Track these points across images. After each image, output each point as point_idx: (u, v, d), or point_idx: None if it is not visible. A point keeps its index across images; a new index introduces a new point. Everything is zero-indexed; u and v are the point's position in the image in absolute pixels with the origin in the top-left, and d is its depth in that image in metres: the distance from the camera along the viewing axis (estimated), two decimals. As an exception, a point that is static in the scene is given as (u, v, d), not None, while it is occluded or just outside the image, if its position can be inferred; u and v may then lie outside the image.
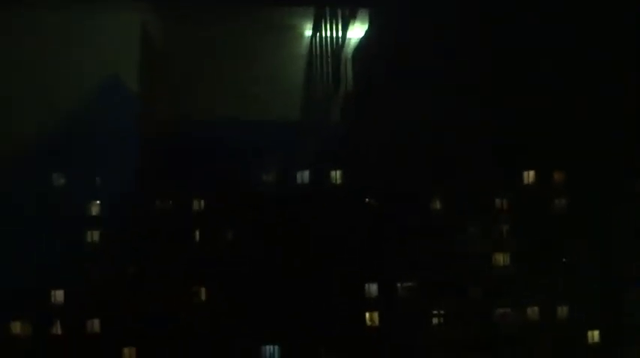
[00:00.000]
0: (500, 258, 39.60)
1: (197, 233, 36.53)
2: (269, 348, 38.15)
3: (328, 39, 49.75)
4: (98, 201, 33.17)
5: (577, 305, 39.22)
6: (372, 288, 38.59)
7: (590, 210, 40.40)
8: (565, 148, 42.52)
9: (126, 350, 33.33)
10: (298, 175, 43.12)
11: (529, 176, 41.29)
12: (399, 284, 40.63)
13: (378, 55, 44.67)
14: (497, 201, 41.49)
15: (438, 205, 41.92)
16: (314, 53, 52.95)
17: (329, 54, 48.72)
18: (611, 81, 44.92)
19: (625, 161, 41.01)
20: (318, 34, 53.42)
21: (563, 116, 43.44)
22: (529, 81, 46.16)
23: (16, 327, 31.54)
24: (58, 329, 31.51)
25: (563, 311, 38.01)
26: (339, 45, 46.31)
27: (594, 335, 38.02)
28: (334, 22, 47.88)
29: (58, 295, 30.94)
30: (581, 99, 44.42)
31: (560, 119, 43.12)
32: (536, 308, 38.15)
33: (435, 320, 39.71)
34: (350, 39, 46.58)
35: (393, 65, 44.71)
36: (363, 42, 45.57)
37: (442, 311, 39.68)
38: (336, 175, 42.97)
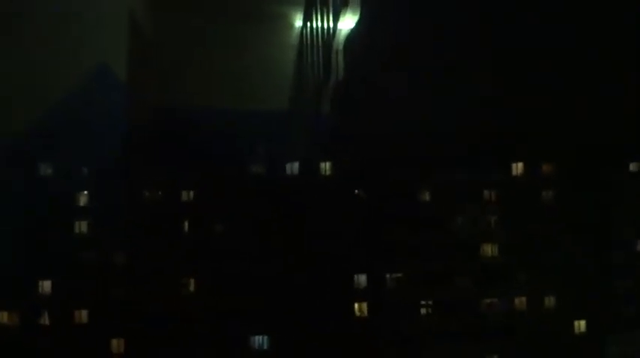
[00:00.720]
0: (489, 249, 39.12)
1: (186, 224, 35.53)
2: (258, 338, 37.54)
3: (319, 29, 48.27)
4: (86, 192, 32.35)
5: (564, 295, 38.95)
6: (361, 279, 37.95)
7: (577, 201, 40.04)
8: (554, 142, 41.79)
9: (114, 341, 32.56)
10: (288, 166, 42.00)
11: (517, 168, 40.75)
12: (387, 275, 39.91)
13: (369, 46, 43.28)
14: (486, 192, 40.87)
15: (427, 197, 41.10)
16: (304, 43, 51.31)
17: (319, 44, 47.29)
18: (603, 80, 43.32)
19: (612, 154, 40.59)
20: (308, 23, 51.77)
21: (553, 111, 42.49)
22: (521, 78, 44.74)
23: (3, 317, 30.77)
24: (45, 320, 30.73)
25: (550, 301, 37.65)
26: (329, 35, 44.93)
27: (581, 325, 37.83)
28: (325, 11, 46.39)
29: (46, 285, 30.24)
30: (571, 96, 43.22)
31: (550, 114, 42.25)
32: (523, 299, 37.70)
33: (423, 311, 39.04)
34: (341, 29, 45.15)
35: (385, 56, 43.35)
36: (354, 32, 44.25)
37: (430, 302, 39.01)
38: (326, 166, 42.04)
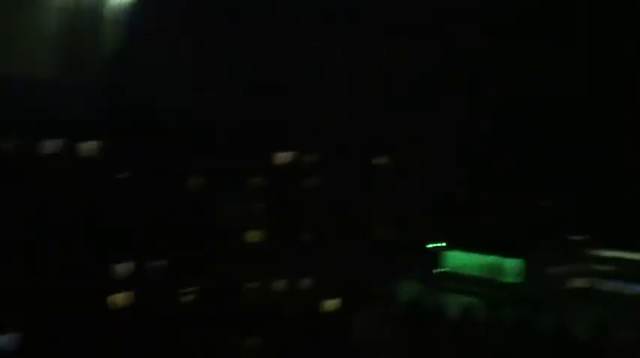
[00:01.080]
0: (254, 235, 39.47)
1: None
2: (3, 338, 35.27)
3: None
4: None
5: (320, 277, 40.38)
6: (123, 268, 36.88)
7: (337, 188, 41.48)
8: (318, 130, 42.81)
9: None
10: (48, 144, 39.40)
11: (282, 156, 41.27)
12: (151, 263, 39.25)
13: (138, 19, 41.46)
14: (252, 180, 41.13)
15: (194, 183, 40.69)
16: (71, 8, 48.10)
17: (87, 11, 44.61)
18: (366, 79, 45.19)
19: (372, 140, 42.34)
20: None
21: (316, 98, 43.53)
22: (287, 69, 45.07)
23: None
24: None
25: (307, 283, 38.83)
26: (99, 6, 42.46)
27: (332, 303, 39.40)
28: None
29: None
30: (335, 82, 44.52)
31: (313, 100, 43.28)
32: (284, 281, 38.65)
33: (187, 297, 38.92)
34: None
35: (154, 30, 41.80)
36: (123, 4, 41.99)
37: (195, 288, 39.00)
38: (89, 147, 40.03)
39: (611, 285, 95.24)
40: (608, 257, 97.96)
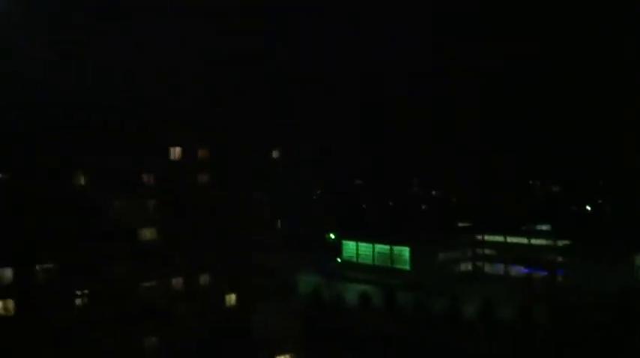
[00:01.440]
0: (147, 233, 38.06)
1: None
2: None
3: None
4: None
5: (217, 273, 39.91)
6: (6, 273, 34.50)
7: (232, 183, 41.06)
8: (211, 125, 42.11)
9: None
10: None
11: (175, 152, 40.22)
12: (37, 267, 36.98)
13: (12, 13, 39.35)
14: (144, 176, 39.57)
15: (81, 181, 38.62)
16: None
17: None
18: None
19: (266, 136, 42.26)
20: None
21: (208, 92, 43.35)
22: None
23: None
24: None
25: (205, 279, 38.17)
26: None
27: (231, 298, 39.08)
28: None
29: None
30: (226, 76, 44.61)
31: (205, 95, 43.03)
32: (180, 279, 37.72)
33: (79, 301, 36.89)
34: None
35: (31, 24, 39.71)
36: None
37: (87, 291, 37.10)
38: None
39: (495, 268, 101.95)
40: (492, 241, 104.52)
